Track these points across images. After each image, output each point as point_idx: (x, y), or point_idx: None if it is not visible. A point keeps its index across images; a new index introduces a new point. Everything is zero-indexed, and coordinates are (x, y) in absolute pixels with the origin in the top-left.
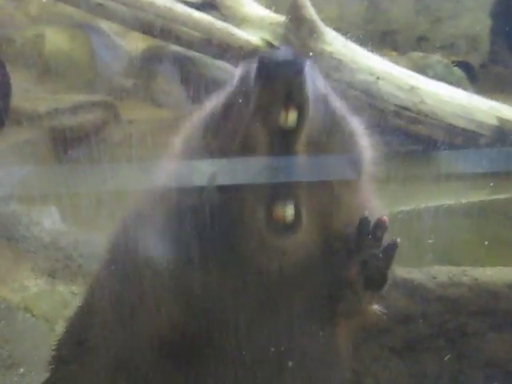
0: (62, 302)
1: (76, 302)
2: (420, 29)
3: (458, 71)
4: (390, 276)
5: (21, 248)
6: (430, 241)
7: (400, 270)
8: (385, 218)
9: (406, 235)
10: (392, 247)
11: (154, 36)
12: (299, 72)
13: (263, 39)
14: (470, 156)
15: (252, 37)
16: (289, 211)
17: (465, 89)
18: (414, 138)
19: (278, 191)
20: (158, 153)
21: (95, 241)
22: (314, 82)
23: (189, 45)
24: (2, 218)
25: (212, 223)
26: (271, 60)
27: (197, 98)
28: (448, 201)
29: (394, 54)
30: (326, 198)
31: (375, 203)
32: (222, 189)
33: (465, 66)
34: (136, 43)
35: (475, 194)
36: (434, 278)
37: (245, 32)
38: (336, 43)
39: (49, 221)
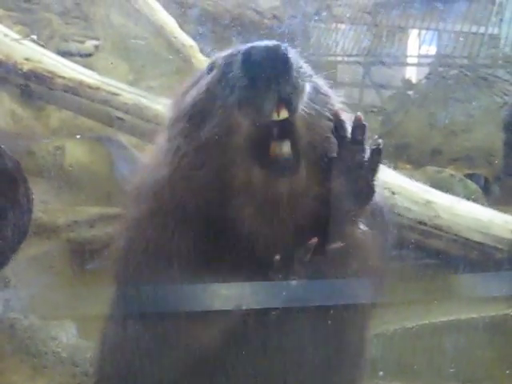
0: None
1: None
2: (434, 142)
3: (472, 185)
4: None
5: (37, 363)
6: (445, 357)
7: None
8: (359, 114)
9: (421, 351)
10: (377, 151)
11: None
12: (285, 62)
13: None
14: (488, 279)
15: None
16: (286, 148)
17: (479, 202)
18: (429, 253)
19: (276, 130)
20: None
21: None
22: (297, 65)
23: None
24: (19, 332)
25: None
26: (257, 51)
27: None
28: (464, 315)
29: (409, 167)
30: (321, 158)
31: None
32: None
33: (479, 179)
34: None
35: (491, 309)
36: None
37: None
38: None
39: (65, 336)
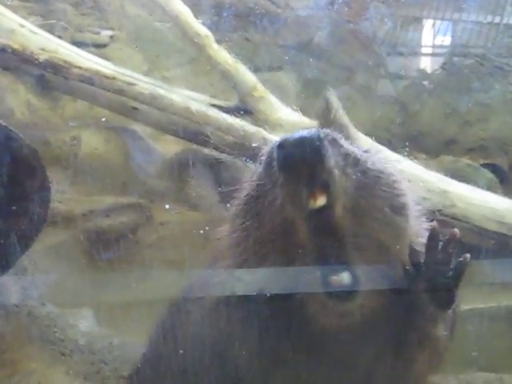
0: None
1: None
2: (449, 132)
3: (487, 174)
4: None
5: (56, 351)
6: (463, 345)
7: (435, 377)
8: (456, 231)
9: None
10: (463, 264)
11: (188, 140)
12: (317, 150)
13: None
14: (506, 265)
15: None
16: (345, 279)
17: (495, 191)
18: None
19: (331, 265)
20: (190, 255)
21: (129, 344)
22: (338, 150)
23: (222, 148)
24: (37, 320)
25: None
26: (289, 144)
27: (229, 201)
28: (482, 304)
29: (424, 156)
30: (382, 254)
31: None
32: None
33: (494, 169)
34: (170, 146)
35: (510, 298)
36: None
37: (278, 136)
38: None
39: (84, 323)
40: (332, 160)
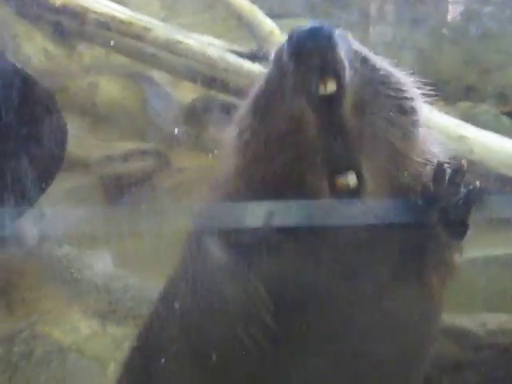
0: (114, 343)
1: (127, 344)
2: (468, 79)
3: (506, 121)
4: (471, 223)
5: (73, 290)
6: (479, 288)
7: (448, 317)
8: (463, 162)
9: (455, 282)
10: (473, 192)
11: (205, 86)
12: (328, 38)
13: None
14: None
15: None
16: (351, 181)
17: None
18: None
19: (338, 163)
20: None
21: (145, 284)
22: (348, 45)
23: (239, 94)
24: (54, 261)
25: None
26: (300, 33)
27: None
28: (498, 251)
29: (443, 103)
30: (388, 158)
31: (436, 149)
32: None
33: None
34: (187, 93)
35: None
36: (484, 325)
37: None
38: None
39: (100, 264)
40: (343, 50)
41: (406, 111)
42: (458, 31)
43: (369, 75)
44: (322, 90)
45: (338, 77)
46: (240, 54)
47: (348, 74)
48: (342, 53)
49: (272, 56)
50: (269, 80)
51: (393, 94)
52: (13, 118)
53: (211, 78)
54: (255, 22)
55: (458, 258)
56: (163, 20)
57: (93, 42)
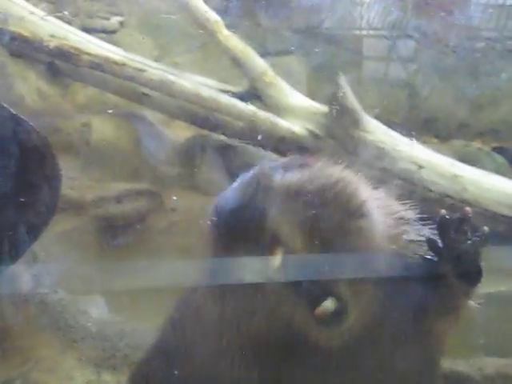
0: None
1: None
2: (460, 116)
3: (499, 158)
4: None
5: (67, 337)
6: (475, 330)
7: (446, 362)
8: (467, 209)
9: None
10: (483, 237)
11: (198, 125)
12: (258, 214)
13: (306, 129)
14: None
15: (295, 126)
16: (329, 306)
17: (507, 176)
18: None
19: (311, 298)
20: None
21: (141, 331)
22: (273, 193)
23: (232, 134)
24: (49, 307)
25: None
26: (223, 215)
27: None
28: (493, 289)
29: (435, 141)
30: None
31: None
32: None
33: (506, 153)
34: (180, 132)
35: None
36: (481, 369)
37: (288, 122)
38: (377, 132)
39: (95, 310)
40: (271, 213)
41: (354, 212)
42: (450, 67)
43: (304, 205)
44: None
45: (279, 243)
46: (232, 94)
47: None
48: (272, 215)
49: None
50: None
51: (334, 205)
52: (6, 164)
53: (204, 118)
54: (248, 62)
55: (471, 303)
56: (156, 59)
57: (86, 83)
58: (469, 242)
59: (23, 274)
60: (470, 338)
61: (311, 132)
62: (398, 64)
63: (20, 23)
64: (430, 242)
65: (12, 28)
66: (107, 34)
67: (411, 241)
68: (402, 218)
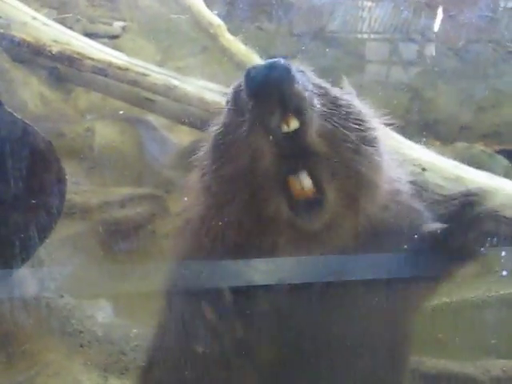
0: None
1: None
2: (463, 118)
3: (502, 160)
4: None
5: (74, 342)
6: (482, 333)
7: (452, 364)
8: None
9: (454, 328)
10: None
11: (202, 130)
12: (286, 74)
13: None
14: None
15: None
16: (304, 181)
17: (510, 177)
18: None
19: (290, 165)
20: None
21: (147, 334)
22: (307, 79)
23: None
24: (55, 311)
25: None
26: (257, 71)
27: None
28: (502, 291)
29: (438, 143)
30: (356, 186)
31: (399, 174)
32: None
33: (509, 155)
34: (184, 137)
35: None
36: (488, 371)
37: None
38: (380, 134)
39: (101, 314)
40: (301, 85)
41: (368, 141)
42: (452, 70)
43: (330, 108)
44: (284, 128)
45: (300, 113)
46: None
47: (309, 107)
48: (301, 87)
49: (229, 95)
50: (227, 120)
51: (355, 125)
52: (11, 169)
53: (208, 122)
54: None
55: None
56: (159, 64)
57: (89, 88)
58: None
59: (29, 279)
60: (479, 340)
61: None
62: (401, 67)
63: (23, 28)
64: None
65: (15, 33)
66: (110, 39)
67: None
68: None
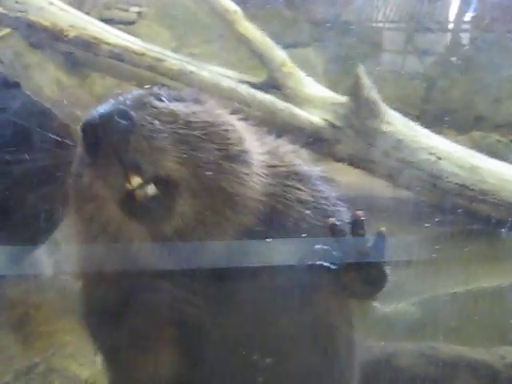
0: None
1: None
2: (478, 108)
3: None
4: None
5: None
6: (493, 321)
7: (467, 350)
8: (358, 212)
9: (469, 315)
10: (381, 238)
11: None
12: (123, 135)
13: (325, 119)
14: None
15: (314, 117)
16: (151, 190)
17: None
18: (475, 217)
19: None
20: None
21: None
22: (149, 112)
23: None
24: (72, 293)
25: None
26: (88, 126)
27: None
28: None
29: (454, 133)
30: (213, 196)
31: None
32: None
33: None
34: None
35: None
36: (503, 358)
37: (306, 112)
38: (396, 123)
39: None
40: (140, 138)
41: (231, 157)
42: (468, 60)
43: (185, 135)
44: (128, 186)
45: (140, 168)
46: (251, 85)
47: (152, 153)
48: (138, 136)
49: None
50: (79, 157)
51: (214, 145)
52: (30, 152)
53: None
54: (267, 52)
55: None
56: (174, 50)
57: (105, 73)
58: (368, 246)
59: (45, 259)
60: (495, 328)
61: (330, 122)
62: (416, 56)
63: (39, 13)
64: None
65: (32, 18)
66: (125, 25)
67: (301, 200)
68: (295, 176)
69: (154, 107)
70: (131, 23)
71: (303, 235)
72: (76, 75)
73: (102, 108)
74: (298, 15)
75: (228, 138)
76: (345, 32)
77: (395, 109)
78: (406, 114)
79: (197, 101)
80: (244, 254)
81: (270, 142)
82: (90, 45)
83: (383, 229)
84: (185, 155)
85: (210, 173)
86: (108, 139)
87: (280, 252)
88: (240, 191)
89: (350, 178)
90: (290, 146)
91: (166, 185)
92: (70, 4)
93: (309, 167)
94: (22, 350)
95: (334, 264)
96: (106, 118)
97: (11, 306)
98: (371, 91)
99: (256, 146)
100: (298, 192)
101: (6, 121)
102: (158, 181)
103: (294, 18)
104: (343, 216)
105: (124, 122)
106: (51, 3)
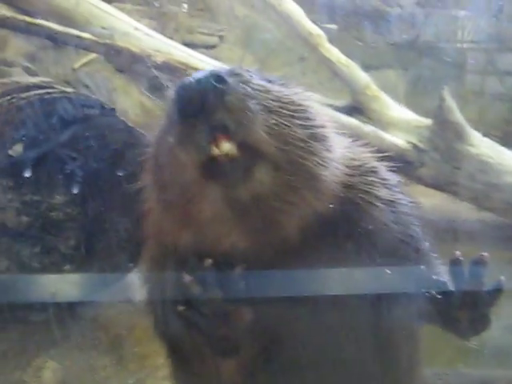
0: None
1: None
2: None
3: None
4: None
5: None
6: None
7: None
8: (485, 254)
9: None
10: (498, 289)
11: None
12: (215, 90)
13: (409, 142)
14: None
15: (398, 140)
16: (226, 146)
17: None
18: None
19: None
20: None
21: None
22: (246, 81)
23: None
24: None
25: None
26: (184, 88)
27: None
28: None
29: None
30: (305, 182)
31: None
32: None
33: None
34: None
35: None
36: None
37: (391, 135)
38: (482, 145)
39: None
40: (234, 99)
41: (316, 138)
42: None
43: (276, 107)
44: (215, 151)
45: (231, 132)
46: (334, 107)
47: (245, 121)
48: (234, 102)
49: (170, 98)
50: (163, 128)
51: (302, 123)
52: (124, 177)
53: None
54: (351, 75)
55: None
56: None
57: None
58: (482, 290)
59: (138, 283)
60: None
61: (415, 145)
62: (498, 77)
63: (125, 39)
64: (441, 285)
65: (119, 43)
66: (207, 48)
67: (379, 197)
68: (374, 174)
69: (247, 79)
70: (213, 47)
71: (376, 234)
72: (159, 99)
73: (198, 74)
74: (379, 37)
75: (314, 120)
76: (428, 53)
77: (478, 130)
78: (488, 135)
79: (284, 85)
80: (344, 282)
81: (346, 139)
82: (176, 70)
83: (503, 278)
84: (275, 127)
85: (297, 149)
86: (202, 99)
87: (387, 279)
88: (322, 174)
89: (433, 200)
90: (368, 148)
91: (250, 151)
92: (154, 29)
93: (386, 171)
94: (117, 371)
95: (448, 298)
96: (203, 80)
97: (105, 328)
98: (456, 113)
99: (336, 137)
100: (377, 189)
101: (104, 146)
102: (244, 146)
103: (374, 39)
104: (416, 229)
105: (219, 85)
106: (136, 28)
